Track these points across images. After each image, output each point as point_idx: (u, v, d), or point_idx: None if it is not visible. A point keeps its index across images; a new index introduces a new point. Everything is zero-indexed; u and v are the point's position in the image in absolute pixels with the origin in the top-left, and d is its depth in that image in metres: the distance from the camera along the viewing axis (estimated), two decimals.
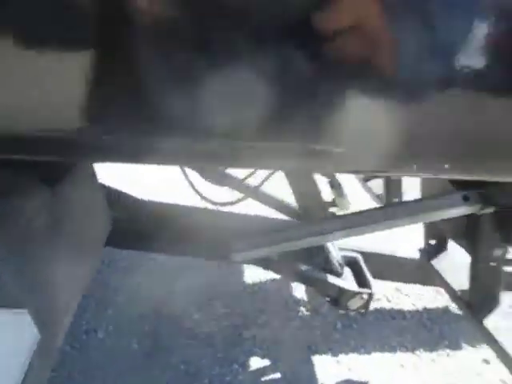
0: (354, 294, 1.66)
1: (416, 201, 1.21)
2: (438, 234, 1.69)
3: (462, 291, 1.49)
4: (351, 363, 1.77)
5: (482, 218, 1.25)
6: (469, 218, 1.31)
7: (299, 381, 1.68)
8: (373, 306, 2.08)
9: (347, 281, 1.73)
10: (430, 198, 1.20)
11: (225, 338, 1.86)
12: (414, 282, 1.99)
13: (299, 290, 2.17)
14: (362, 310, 1.71)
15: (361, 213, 1.20)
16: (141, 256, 2.39)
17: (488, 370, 1.77)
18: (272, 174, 1.55)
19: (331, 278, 1.69)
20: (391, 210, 1.19)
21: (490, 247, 1.32)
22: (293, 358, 1.78)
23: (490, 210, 1.15)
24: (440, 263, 1.65)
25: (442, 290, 2.23)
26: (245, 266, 2.34)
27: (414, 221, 1.19)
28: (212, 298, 2.08)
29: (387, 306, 2.11)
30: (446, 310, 2.11)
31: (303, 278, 1.70)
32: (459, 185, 1.18)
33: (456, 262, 1.65)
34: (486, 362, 1.81)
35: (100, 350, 1.79)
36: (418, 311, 2.09)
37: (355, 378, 1.71)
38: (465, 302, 1.45)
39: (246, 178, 1.64)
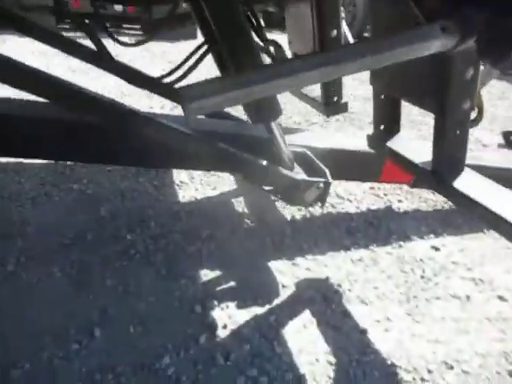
0: (310, 184, 1.51)
1: (389, 37, 1.07)
2: (389, 117, 1.60)
3: (424, 163, 1.42)
4: (308, 264, 1.65)
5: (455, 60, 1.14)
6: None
7: (258, 286, 1.52)
8: (318, 212, 1.98)
9: (300, 174, 1.59)
10: (406, 31, 1.07)
11: (166, 256, 1.62)
12: (368, 178, 1.92)
13: (240, 205, 1.99)
14: (320, 203, 1.58)
15: (337, 49, 1.04)
16: (56, 186, 2.03)
17: (439, 255, 1.77)
18: None
19: (283, 171, 1.53)
20: (357, 47, 1.04)
21: (458, 103, 1.24)
22: (246, 267, 1.60)
23: (470, 40, 1.05)
24: (395, 144, 1.57)
25: (382, 193, 2.22)
26: (181, 187, 2.10)
27: (390, 58, 1.05)
28: (145, 219, 1.82)
29: (333, 211, 2.03)
30: (389, 209, 2.08)
31: (253, 173, 1.52)
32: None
33: (410, 142, 1.58)
34: (436, 248, 1.81)
35: (13, 283, 1.45)
36: (363, 213, 2.03)
37: (315, 276, 1.60)
38: (428, 172, 1.38)
39: None
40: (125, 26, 5.92)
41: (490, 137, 3.04)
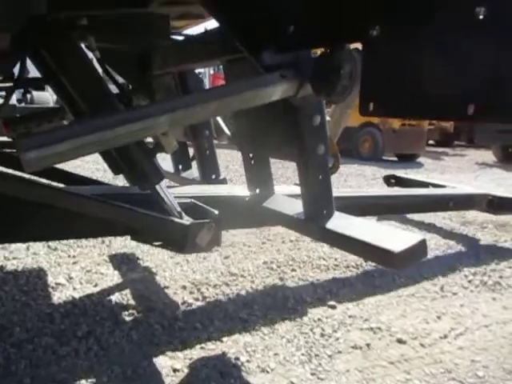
0: (200, 226, 1.39)
1: (234, 84, 1.13)
2: (262, 178, 1.65)
3: (298, 214, 1.45)
4: (202, 343, 1.50)
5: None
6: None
7: (145, 376, 1.32)
8: (212, 292, 1.88)
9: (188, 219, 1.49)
10: (249, 79, 1.14)
11: (32, 363, 1.36)
12: (251, 226, 1.88)
13: (125, 297, 1.81)
14: (215, 245, 1.47)
15: (181, 97, 1.06)
16: None
17: (336, 312, 1.74)
18: None
19: (172, 219, 1.42)
20: (205, 94, 1.08)
21: (312, 149, 1.32)
22: (131, 358, 1.40)
23: (307, 90, 1.15)
24: (271, 204, 1.60)
25: (275, 266, 2.20)
26: (57, 289, 1.87)
27: (235, 104, 1.09)
28: (8, 326, 1.55)
29: (227, 289, 1.94)
30: (283, 279, 2.05)
31: (144, 226, 1.40)
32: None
33: (285, 199, 1.62)
34: (333, 307, 1.78)
35: None
36: (258, 286, 1.97)
37: (210, 354, 1.45)
38: (302, 221, 1.41)
39: None
40: None
41: None
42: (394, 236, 1.18)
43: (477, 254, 2.57)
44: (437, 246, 2.66)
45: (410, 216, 3.41)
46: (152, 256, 2.26)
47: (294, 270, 2.16)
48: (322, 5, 0.96)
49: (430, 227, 3.11)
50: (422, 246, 1.15)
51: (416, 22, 0.73)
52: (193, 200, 1.46)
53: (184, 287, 1.91)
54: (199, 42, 1.69)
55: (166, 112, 0.99)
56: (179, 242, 1.36)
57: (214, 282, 1.97)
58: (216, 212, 1.36)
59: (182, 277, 2.02)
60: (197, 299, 1.81)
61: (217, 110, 1.06)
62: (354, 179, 5.16)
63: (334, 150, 1.57)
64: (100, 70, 1.58)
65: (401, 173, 5.93)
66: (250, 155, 1.60)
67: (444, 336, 1.63)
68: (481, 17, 0.66)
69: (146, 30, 1.75)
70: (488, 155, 9.01)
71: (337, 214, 1.38)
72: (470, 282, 2.14)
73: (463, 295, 2.00)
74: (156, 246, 1.45)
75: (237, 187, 1.84)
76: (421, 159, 8.15)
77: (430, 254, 2.51)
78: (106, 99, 1.38)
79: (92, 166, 4.95)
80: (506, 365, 1.45)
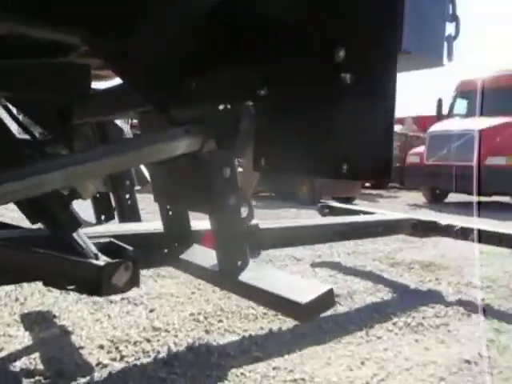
0: (115, 266, 1.31)
1: (136, 138, 1.13)
2: (181, 234, 1.63)
3: (213, 266, 1.43)
4: None
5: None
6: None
7: None
8: (131, 350, 1.79)
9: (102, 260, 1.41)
10: (153, 134, 1.14)
11: None
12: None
13: (33, 361, 1.67)
14: (134, 284, 1.39)
15: (84, 151, 1.03)
16: None
17: (260, 365, 1.70)
18: None
19: (87, 260, 1.34)
20: (114, 147, 1.06)
21: (224, 200, 1.33)
22: None
23: (211, 144, 1.17)
24: (188, 256, 1.58)
25: (202, 317, 2.14)
26: None
27: (137, 159, 1.09)
28: None
29: (147, 346, 1.84)
30: (208, 331, 1.99)
31: (55, 270, 1.30)
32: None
33: (203, 251, 1.60)
34: (258, 359, 1.74)
35: None
36: (181, 340, 1.89)
37: None
38: (216, 273, 1.39)
39: None
40: None
41: None
42: (302, 287, 1.19)
43: (402, 295, 2.65)
44: (365, 289, 2.71)
45: (341, 260, 3.50)
46: (70, 313, 2.12)
47: (221, 321, 2.11)
48: (217, 65, 0.99)
49: (360, 271, 3.19)
50: (329, 295, 1.16)
51: (294, 87, 0.77)
52: (111, 239, 1.40)
53: (101, 346, 1.79)
54: (115, 93, 1.69)
55: (60, 168, 0.96)
56: (94, 284, 1.28)
57: (135, 339, 1.86)
58: (132, 250, 1.31)
59: (100, 334, 1.90)
60: (114, 359, 1.70)
61: (117, 165, 1.04)
62: None
63: (248, 200, 1.58)
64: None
65: None
66: (167, 207, 1.58)
67: (366, 383, 1.62)
68: (348, 82, 0.71)
69: (65, 80, 1.73)
70: (419, 197, 9.55)
71: (251, 265, 1.38)
72: (394, 324, 2.19)
73: (387, 338, 2.03)
74: (71, 290, 1.35)
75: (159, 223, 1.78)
76: (357, 201, 8.46)
77: (358, 298, 2.56)
78: (8, 150, 1.32)
79: (16, 215, 4.67)
80: None
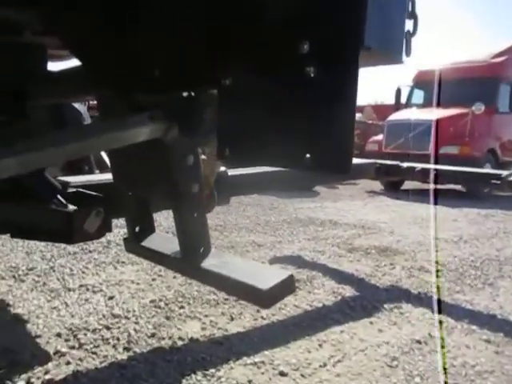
0: (86, 213, 1.27)
1: (98, 123, 1.10)
2: (141, 218, 1.61)
3: (175, 252, 1.43)
4: None
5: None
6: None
7: None
8: (90, 338, 1.77)
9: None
10: (116, 120, 1.12)
11: None
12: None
13: None
14: (106, 229, 1.36)
15: (41, 137, 1.00)
16: None
17: (221, 348, 1.73)
18: None
19: (56, 208, 1.30)
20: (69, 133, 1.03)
21: (186, 188, 1.32)
22: None
23: (175, 131, 1.16)
24: (149, 242, 1.56)
25: (163, 303, 2.14)
26: None
27: (99, 145, 1.06)
28: None
29: (107, 333, 1.82)
30: (160, 316, 1.99)
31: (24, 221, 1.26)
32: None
33: (164, 238, 1.59)
34: (220, 343, 1.76)
35: None
36: (142, 327, 1.89)
37: None
38: (178, 259, 1.39)
39: None
40: None
41: None
42: (264, 273, 1.21)
43: (359, 279, 2.74)
44: (324, 273, 2.79)
45: (302, 244, 3.57)
46: (25, 301, 2.06)
47: (182, 307, 2.11)
48: (182, 54, 0.97)
49: (320, 254, 3.27)
50: (289, 281, 1.18)
51: (258, 78, 0.78)
52: (78, 189, 1.36)
53: (59, 335, 1.76)
54: (73, 74, 1.63)
55: (15, 154, 0.92)
56: (66, 232, 1.24)
57: (94, 326, 1.84)
58: (101, 197, 1.27)
59: (58, 323, 1.86)
60: (72, 347, 1.68)
61: (77, 151, 1.02)
62: (253, 209, 5.27)
63: (210, 187, 1.58)
64: None
65: (297, 201, 6.21)
66: (129, 193, 1.56)
67: (324, 364, 1.68)
68: (311, 75, 0.72)
69: (18, 59, 1.65)
70: (376, 184, 9.83)
71: (214, 251, 1.39)
72: (351, 308, 2.27)
73: (344, 321, 2.10)
74: (43, 240, 1.31)
75: None
76: (317, 188, 8.61)
77: (317, 282, 2.63)
78: None
79: None
80: None
